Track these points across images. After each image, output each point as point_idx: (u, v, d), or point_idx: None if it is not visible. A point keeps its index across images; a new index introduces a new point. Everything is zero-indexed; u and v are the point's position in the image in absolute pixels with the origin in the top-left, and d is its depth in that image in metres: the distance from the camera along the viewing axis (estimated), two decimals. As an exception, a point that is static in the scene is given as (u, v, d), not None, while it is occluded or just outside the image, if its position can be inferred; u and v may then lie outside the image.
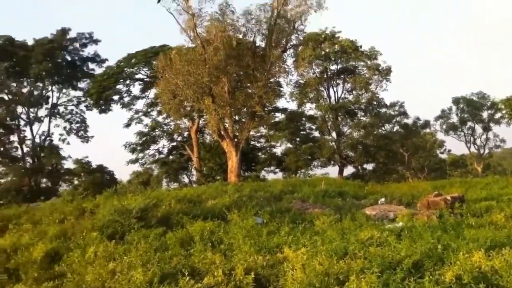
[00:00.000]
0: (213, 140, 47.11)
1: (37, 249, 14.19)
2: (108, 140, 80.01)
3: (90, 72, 54.23)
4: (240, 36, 34.63)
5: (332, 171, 47.96)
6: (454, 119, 59.09)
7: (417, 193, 23.32)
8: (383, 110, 49.86)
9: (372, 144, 46.73)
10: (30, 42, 52.13)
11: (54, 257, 14.01)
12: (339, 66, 46.86)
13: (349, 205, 19.97)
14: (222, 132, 33.69)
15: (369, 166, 50.85)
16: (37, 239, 15.71)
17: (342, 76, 47.21)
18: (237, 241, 13.01)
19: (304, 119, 50.25)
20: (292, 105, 48.81)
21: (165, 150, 53.13)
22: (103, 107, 50.29)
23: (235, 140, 34.09)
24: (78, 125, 54.68)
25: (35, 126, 52.31)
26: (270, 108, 44.67)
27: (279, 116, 50.52)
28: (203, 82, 32.05)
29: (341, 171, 46.40)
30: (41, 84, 53.03)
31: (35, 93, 52.81)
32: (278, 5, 33.79)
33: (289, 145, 50.14)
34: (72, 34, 53.56)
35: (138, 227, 15.33)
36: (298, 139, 50.12)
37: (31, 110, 52.41)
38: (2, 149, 50.86)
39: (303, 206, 19.35)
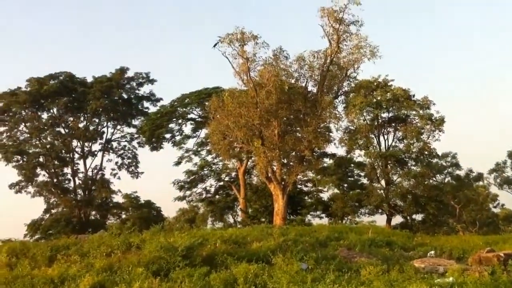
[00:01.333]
0: (260, 182, 47.13)
1: (84, 281, 14.42)
2: (157, 177, 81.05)
3: (144, 110, 55.90)
4: (293, 81, 34.99)
5: (380, 219, 46.97)
6: (509, 173, 57.12)
7: (468, 248, 22.49)
8: (435, 160, 48.75)
9: (422, 195, 45.57)
10: (89, 79, 54.56)
11: (100, 290, 14.22)
12: (391, 114, 46.43)
13: (397, 256, 19.44)
14: (270, 175, 33.76)
15: (418, 217, 49.47)
16: (84, 271, 15.99)
17: (393, 124, 46.69)
18: (281, 286, 12.89)
19: (352, 165, 49.76)
20: (341, 151, 48.35)
21: (212, 189, 53.48)
22: (155, 144, 51.35)
23: (282, 183, 34.06)
24: (129, 160, 56.03)
25: (89, 160, 54.20)
26: (319, 153, 44.49)
27: (328, 161, 50.25)
28: (253, 125, 32.40)
29: (389, 220, 45.39)
30: (97, 120, 55.06)
31: (91, 128, 54.72)
32: (331, 52, 34.12)
33: (336, 190, 49.57)
34: (129, 73, 55.71)
35: (183, 265, 15.43)
36: (345, 185, 49.54)
37: (86, 144, 54.21)
38: (55, 180, 52.42)
39: (349, 254, 18.99)
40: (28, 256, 19.98)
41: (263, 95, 32.23)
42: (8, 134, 52.31)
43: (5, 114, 52.23)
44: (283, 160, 36.04)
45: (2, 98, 51.82)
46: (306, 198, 51.59)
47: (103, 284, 14.48)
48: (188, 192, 52.60)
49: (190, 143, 51.44)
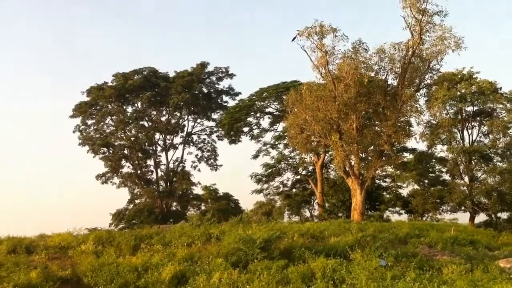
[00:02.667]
0: (337, 176, 46.70)
1: (166, 270, 14.92)
2: (235, 170, 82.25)
3: (223, 104, 56.94)
4: (372, 74, 34.32)
5: (462, 217, 45.22)
6: None
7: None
8: (523, 156, 46.35)
9: (508, 192, 43.46)
10: (171, 74, 56.22)
11: (181, 279, 14.67)
12: (475, 108, 44.54)
13: (481, 255, 18.73)
14: (348, 169, 33.40)
15: (504, 215, 47.20)
16: (167, 260, 16.55)
17: (478, 119, 44.80)
18: (359, 281, 12.78)
19: (434, 160, 48.17)
20: (422, 146, 46.91)
21: (289, 183, 53.56)
22: (233, 137, 52.10)
23: (361, 178, 33.58)
24: (209, 153, 57.19)
25: (170, 152, 55.95)
26: (399, 147, 43.42)
27: (408, 156, 48.94)
28: (331, 118, 32.13)
29: (472, 218, 43.63)
30: (178, 114, 56.62)
31: (173, 121, 56.38)
32: (413, 44, 33.12)
33: (416, 186, 48.15)
34: (209, 68, 56.87)
35: (261, 257, 15.63)
36: (426, 181, 47.99)
37: (168, 137, 55.98)
38: (139, 172, 54.59)
39: (430, 252, 18.51)
40: (114, 244, 20.93)
41: (342, 88, 31.87)
42: (95, 127, 54.97)
43: (93, 108, 54.89)
44: (361, 155, 35.53)
45: (90, 93, 54.49)
46: (384, 193, 50.51)
47: (184, 274, 14.93)
48: (265, 186, 53.01)
49: (268, 137, 51.82)
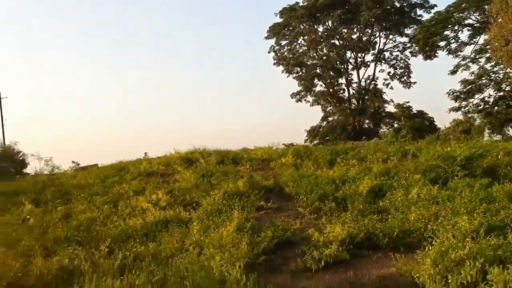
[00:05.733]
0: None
1: (363, 184, 15.23)
2: (429, 87, 78.57)
3: (417, 18, 53.96)
4: None
5: None
6: None
7: None
8: None
9: None
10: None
11: (378, 193, 14.87)
12: None
13: None
14: None
15: None
16: (363, 174, 16.88)
17: None
18: None
19: None
20: None
21: (491, 100, 49.74)
22: (429, 53, 49.67)
23: None
24: (401, 70, 55.53)
25: (361, 70, 55.57)
26: None
27: None
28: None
29: None
30: (369, 30, 55.20)
31: (364, 38, 55.26)
32: None
33: None
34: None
35: (461, 175, 15.12)
36: None
37: (359, 55, 55.40)
38: (331, 90, 55.49)
39: None
40: (311, 158, 21.96)
41: None
42: (289, 47, 56.59)
43: (286, 29, 56.22)
44: None
45: (282, 14, 55.68)
46: None
47: (381, 187, 15.10)
48: (463, 103, 49.98)
49: (467, 51, 48.18)
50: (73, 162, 33.71)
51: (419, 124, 48.84)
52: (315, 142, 51.90)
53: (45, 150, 60.42)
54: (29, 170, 39.49)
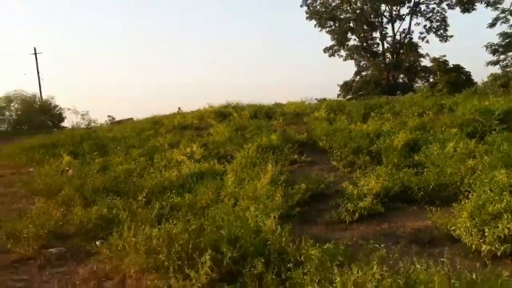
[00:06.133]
0: None
1: (398, 138, 15.06)
2: (467, 40, 76.33)
3: (455, -32, 51.95)
4: None
5: None
6: None
7: None
8: None
9: None
10: None
11: (413, 147, 14.70)
12: None
13: None
14: None
15: None
16: (398, 128, 16.70)
17: None
18: None
19: None
20: None
21: (531, 54, 48.21)
22: (466, 6, 48.58)
23: None
24: (438, 23, 54.05)
25: (396, 24, 54.49)
26: None
27: None
28: None
29: None
30: (405, -18, 53.57)
31: (399, -9, 53.68)
32: None
33: None
34: None
35: (499, 129, 14.88)
36: None
37: (394, 8, 54.02)
38: (365, 44, 54.58)
39: None
40: (344, 112, 21.88)
41: None
42: (322, 1, 55.32)
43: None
44: None
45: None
46: None
47: (417, 141, 14.92)
48: (502, 57, 48.60)
49: (507, 3, 46.57)
50: (108, 116, 34.46)
51: (455, 79, 47.72)
52: (348, 97, 51.41)
53: (81, 104, 61.62)
54: (66, 124, 40.54)
